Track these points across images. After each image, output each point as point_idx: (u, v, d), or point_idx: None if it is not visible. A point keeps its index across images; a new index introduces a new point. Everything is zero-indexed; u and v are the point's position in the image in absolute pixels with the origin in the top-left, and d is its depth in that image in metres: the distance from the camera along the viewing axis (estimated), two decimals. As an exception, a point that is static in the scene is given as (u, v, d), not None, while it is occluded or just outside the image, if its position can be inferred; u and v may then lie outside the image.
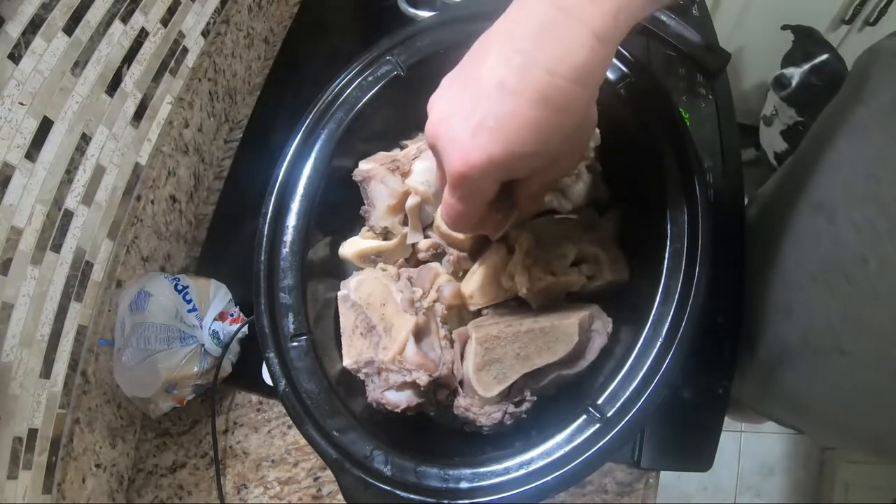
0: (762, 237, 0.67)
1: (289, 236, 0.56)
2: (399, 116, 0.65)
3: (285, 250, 0.56)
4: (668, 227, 0.50)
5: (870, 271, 0.48)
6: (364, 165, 0.61)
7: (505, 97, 0.35)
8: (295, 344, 0.53)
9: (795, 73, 1.44)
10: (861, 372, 0.53)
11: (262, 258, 0.55)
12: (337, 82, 0.60)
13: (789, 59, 1.49)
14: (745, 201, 0.76)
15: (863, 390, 0.54)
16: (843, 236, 0.51)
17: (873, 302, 0.49)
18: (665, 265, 0.49)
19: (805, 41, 1.48)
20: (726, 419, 0.69)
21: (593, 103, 0.42)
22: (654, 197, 0.52)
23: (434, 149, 0.40)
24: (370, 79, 0.60)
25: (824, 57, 1.43)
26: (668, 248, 0.49)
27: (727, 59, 0.64)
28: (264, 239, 0.56)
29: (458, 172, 0.38)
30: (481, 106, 0.36)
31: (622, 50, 0.57)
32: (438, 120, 0.39)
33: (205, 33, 0.87)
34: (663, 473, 0.71)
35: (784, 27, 1.49)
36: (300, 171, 0.58)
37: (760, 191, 0.77)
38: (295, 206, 0.57)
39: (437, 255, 0.61)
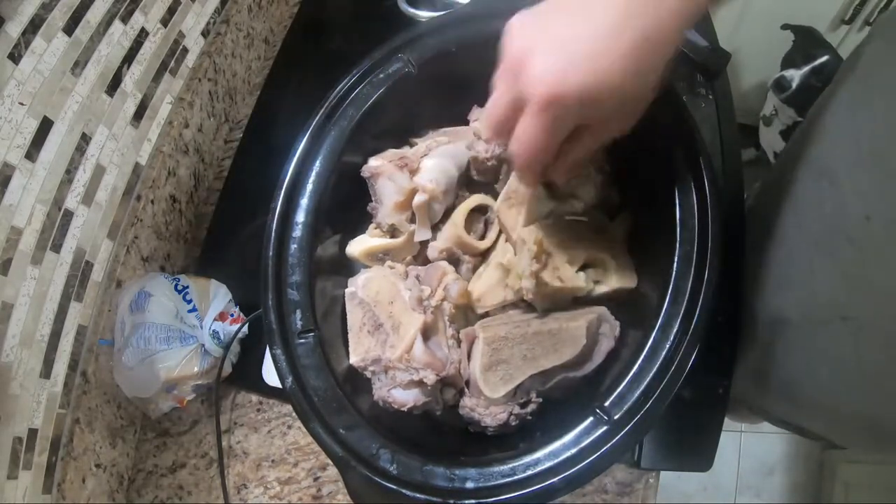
0: (762, 214, 0.67)
1: (297, 232, 0.56)
2: (409, 114, 0.65)
3: (294, 246, 0.56)
4: (678, 229, 0.50)
5: (873, 231, 0.48)
6: (373, 162, 0.61)
7: (608, 27, 0.38)
8: (302, 341, 0.53)
9: (796, 76, 1.44)
10: (862, 341, 0.53)
11: (271, 254, 0.55)
12: (348, 79, 0.60)
13: (789, 61, 1.49)
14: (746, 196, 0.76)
15: (862, 363, 0.54)
16: (845, 199, 0.52)
17: (877, 261, 0.49)
18: (675, 268, 0.49)
19: (805, 41, 1.48)
20: (726, 419, 0.69)
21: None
22: (664, 199, 0.52)
23: (516, 70, 0.41)
24: (381, 76, 0.60)
25: (824, 58, 1.43)
26: (677, 250, 0.49)
27: (727, 59, 0.65)
28: (273, 235, 0.56)
29: (551, 95, 0.38)
30: (582, 34, 0.38)
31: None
32: (530, 43, 0.40)
33: (205, 33, 0.87)
34: (663, 473, 0.71)
35: (784, 27, 1.49)
36: (310, 167, 0.58)
37: (760, 181, 0.77)
38: (304, 202, 0.57)
39: (451, 261, 0.61)
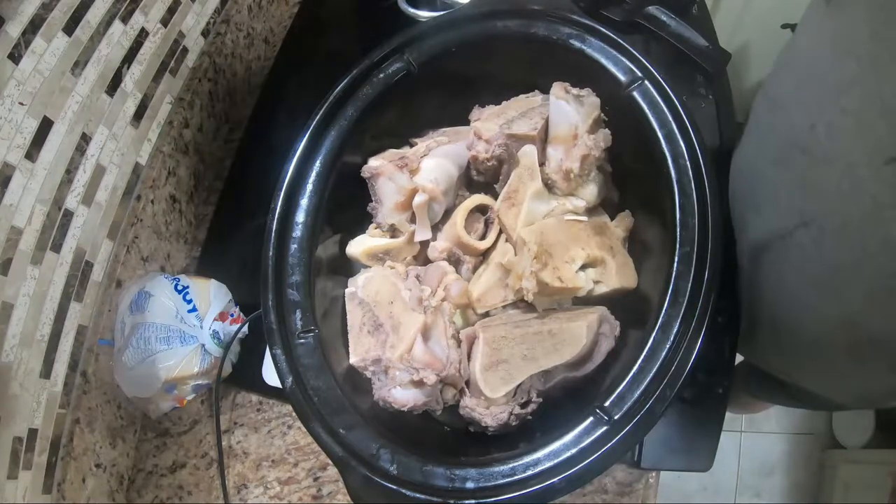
0: (737, 160, 0.71)
1: (297, 232, 0.57)
2: (409, 114, 0.65)
3: (294, 246, 0.56)
4: (678, 229, 0.50)
5: (819, 138, 0.51)
6: (373, 162, 0.61)
7: None
8: (302, 341, 0.53)
9: None
10: (825, 242, 0.53)
11: (271, 254, 0.55)
12: (348, 79, 0.60)
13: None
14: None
15: (829, 265, 0.54)
16: (792, 116, 0.55)
17: (825, 159, 0.51)
18: (675, 268, 0.49)
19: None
20: (726, 418, 0.69)
21: None
22: (664, 200, 0.52)
23: None
24: (381, 76, 0.60)
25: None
26: (677, 251, 0.49)
27: (727, 59, 0.65)
28: (273, 235, 0.56)
29: None
30: None
31: (633, 52, 0.57)
32: None
33: (205, 33, 0.87)
34: (663, 473, 0.71)
35: (784, 26, 1.49)
36: (310, 167, 0.58)
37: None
38: (304, 202, 0.57)
39: (451, 261, 0.61)
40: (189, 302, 0.73)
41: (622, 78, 0.57)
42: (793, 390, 0.79)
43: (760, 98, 0.66)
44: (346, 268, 0.63)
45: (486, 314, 0.58)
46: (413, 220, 0.61)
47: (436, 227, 0.62)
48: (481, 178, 0.64)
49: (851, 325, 0.56)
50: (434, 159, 0.59)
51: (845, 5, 0.49)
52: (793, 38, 0.61)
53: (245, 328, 0.75)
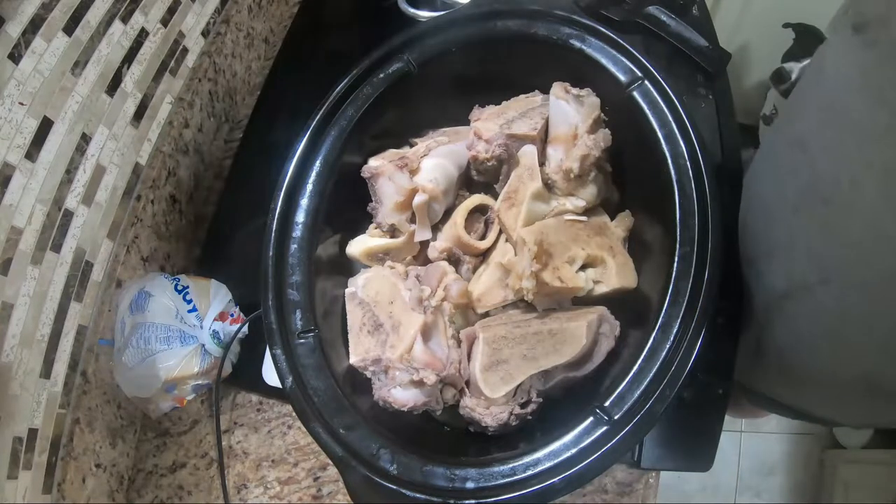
0: (749, 189, 0.68)
1: (297, 232, 0.57)
2: (409, 114, 0.65)
3: (294, 246, 0.56)
4: (678, 229, 0.50)
5: (843, 190, 0.49)
6: (373, 162, 0.61)
7: None
8: (302, 341, 0.53)
9: (795, 68, 1.44)
10: (845, 301, 0.53)
11: (271, 254, 0.55)
12: (348, 79, 0.60)
13: (790, 57, 1.49)
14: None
15: (848, 321, 0.54)
16: (817, 163, 0.53)
17: (848, 214, 0.50)
18: (675, 268, 0.49)
19: (806, 39, 1.48)
20: (727, 418, 0.69)
21: None
22: (664, 200, 0.52)
23: None
24: (381, 76, 0.60)
25: (824, 55, 1.43)
26: (677, 251, 0.49)
27: (727, 59, 0.65)
28: (273, 235, 0.56)
29: None
30: None
31: (633, 52, 0.57)
32: None
33: (205, 33, 0.87)
34: (663, 473, 0.71)
35: (785, 25, 1.49)
36: (310, 168, 0.58)
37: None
38: (304, 202, 0.57)
39: (451, 261, 0.61)
40: (189, 302, 0.73)
41: (622, 78, 0.57)
42: (795, 410, 0.79)
43: (781, 131, 0.64)
44: (346, 268, 0.63)
45: (486, 314, 0.58)
46: (413, 220, 0.61)
47: (436, 227, 0.62)
48: (481, 178, 0.64)
49: (867, 375, 0.56)
50: (434, 159, 0.59)
51: (879, 41, 0.47)
52: (816, 63, 0.59)
53: (245, 328, 0.74)
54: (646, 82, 0.56)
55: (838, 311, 0.54)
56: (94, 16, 0.67)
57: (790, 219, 0.58)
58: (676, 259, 0.49)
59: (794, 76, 1.45)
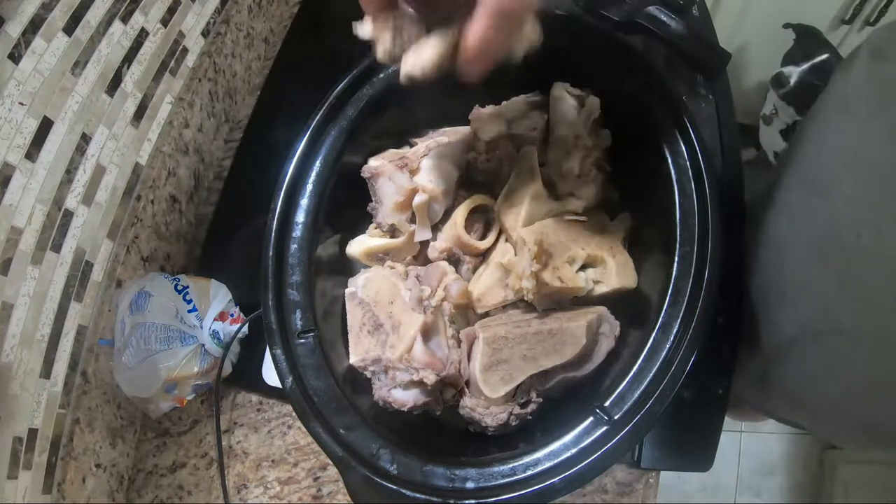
0: (760, 222, 0.68)
1: (297, 232, 0.57)
2: (410, 114, 0.65)
3: (294, 246, 0.56)
4: (678, 229, 0.50)
5: (864, 241, 0.49)
6: (373, 162, 0.61)
7: None
8: (302, 341, 0.53)
9: (794, 72, 1.44)
10: (859, 353, 0.53)
11: (271, 254, 0.55)
12: (348, 79, 0.60)
13: (790, 59, 1.49)
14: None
15: (861, 374, 0.54)
16: (836, 211, 0.52)
17: (869, 266, 0.49)
18: (675, 268, 0.49)
19: (806, 40, 1.48)
20: (727, 419, 0.69)
21: None
22: (664, 200, 0.52)
23: None
24: (381, 76, 0.60)
25: (824, 57, 1.43)
26: (677, 251, 0.49)
27: (727, 59, 0.65)
28: (273, 235, 0.56)
29: None
30: None
31: (634, 53, 0.57)
32: None
33: (205, 33, 0.87)
34: (663, 473, 0.71)
35: (786, 26, 1.49)
36: (310, 167, 0.58)
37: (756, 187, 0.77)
38: (304, 202, 0.57)
39: (451, 261, 0.61)
40: (189, 302, 0.73)
41: (622, 78, 0.57)
42: (798, 426, 0.79)
43: (795, 167, 0.62)
44: (346, 268, 0.63)
45: (486, 314, 0.58)
46: (413, 220, 0.61)
47: (436, 227, 0.62)
48: (481, 178, 0.64)
49: (875, 421, 0.56)
50: (434, 159, 0.59)
51: None
52: (836, 101, 0.57)
53: (245, 328, 0.74)
54: (646, 82, 0.56)
55: (850, 362, 0.54)
56: (94, 16, 0.67)
57: (805, 263, 0.57)
58: (676, 259, 0.49)
59: (792, 80, 1.45)
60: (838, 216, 0.52)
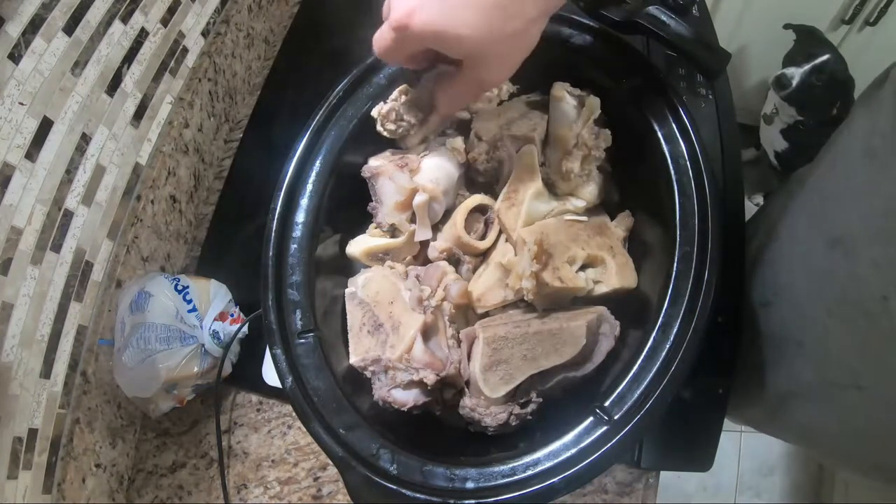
0: (772, 265, 0.66)
1: (297, 232, 0.57)
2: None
3: (294, 246, 0.56)
4: (678, 229, 0.50)
5: (890, 310, 0.46)
6: (373, 162, 0.61)
7: None
8: (302, 341, 0.53)
9: (796, 73, 1.45)
10: (877, 409, 0.53)
11: (271, 254, 0.55)
12: (348, 79, 0.60)
13: (790, 59, 1.49)
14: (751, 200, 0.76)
15: (877, 426, 0.54)
16: (861, 274, 0.50)
17: (892, 339, 0.48)
18: (675, 268, 0.49)
19: (807, 41, 1.48)
20: (726, 419, 0.69)
21: (538, 27, 0.48)
22: (664, 200, 0.52)
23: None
24: (381, 76, 0.60)
25: (825, 57, 1.43)
26: (677, 250, 0.49)
27: (727, 59, 0.65)
28: (273, 235, 0.56)
29: (400, 23, 0.45)
30: None
31: (634, 53, 0.57)
32: None
33: (205, 33, 0.87)
34: (663, 473, 0.71)
35: (786, 26, 1.49)
36: (310, 167, 0.58)
37: (766, 209, 0.75)
38: (304, 203, 0.57)
39: (451, 261, 0.61)
40: (189, 302, 0.73)
41: (622, 78, 0.57)
42: None
43: (815, 224, 0.58)
44: (346, 268, 0.63)
45: (486, 314, 0.58)
46: (413, 220, 0.61)
47: (436, 227, 0.62)
48: (481, 178, 0.64)
49: (885, 463, 0.56)
50: (434, 159, 0.59)
51: None
52: (856, 138, 0.52)
53: (245, 328, 0.75)
54: (646, 82, 0.56)
55: (866, 414, 0.54)
56: (94, 16, 0.67)
57: (825, 319, 0.56)
58: (676, 259, 0.49)
59: (794, 82, 1.45)
60: (863, 280, 0.49)
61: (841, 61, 1.44)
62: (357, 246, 0.61)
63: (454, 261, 0.61)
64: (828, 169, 0.58)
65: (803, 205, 0.62)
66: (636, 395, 0.46)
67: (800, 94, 1.45)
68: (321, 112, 0.59)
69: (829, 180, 0.58)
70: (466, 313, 0.59)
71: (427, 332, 0.53)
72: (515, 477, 0.46)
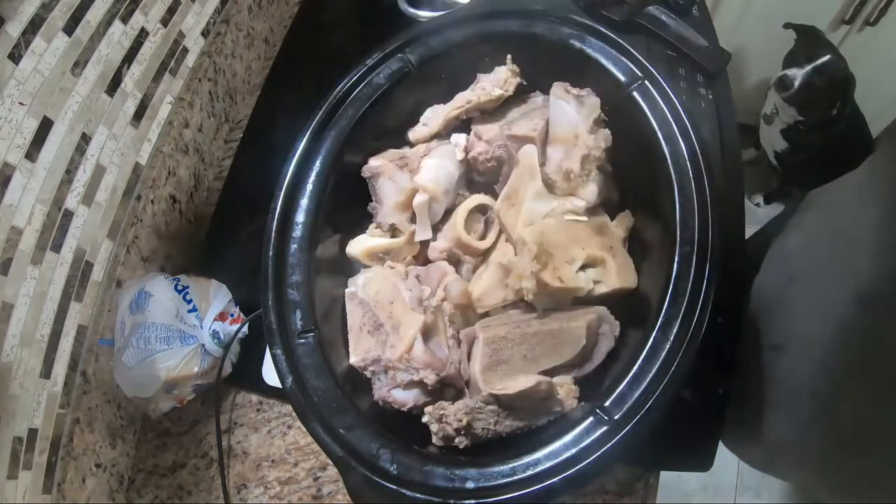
0: (788, 306, 0.63)
1: (297, 232, 0.57)
2: (409, 113, 0.65)
3: (294, 246, 0.56)
4: (678, 229, 0.50)
5: None
6: (373, 162, 0.61)
7: None
8: (302, 341, 0.53)
9: (798, 74, 1.44)
10: (888, 476, 0.52)
11: (271, 254, 0.55)
12: (348, 79, 0.60)
13: (791, 60, 1.49)
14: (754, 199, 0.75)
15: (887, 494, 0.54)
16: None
17: None
18: (675, 268, 0.49)
19: (807, 41, 1.48)
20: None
21: None
22: (664, 200, 0.52)
23: None
24: (381, 76, 0.60)
25: (826, 58, 1.43)
26: (677, 251, 0.49)
27: (727, 59, 0.65)
28: (273, 235, 0.56)
29: None
30: None
31: (633, 53, 0.57)
32: None
33: (205, 33, 0.87)
34: (663, 473, 0.71)
35: (786, 26, 1.49)
36: (310, 167, 0.58)
37: (784, 241, 0.70)
38: (304, 203, 0.57)
39: (451, 261, 0.61)
40: (189, 302, 0.73)
41: (622, 78, 0.57)
42: None
43: (837, 272, 0.56)
44: (346, 268, 0.63)
45: (486, 314, 0.58)
46: (413, 220, 0.61)
47: (436, 227, 0.62)
48: (481, 178, 0.64)
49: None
50: (434, 159, 0.60)
51: None
52: (882, 169, 0.51)
53: (245, 328, 0.75)
54: (646, 82, 0.56)
55: (871, 478, 0.54)
56: (94, 16, 0.67)
57: (842, 378, 0.54)
58: (676, 259, 0.49)
59: (797, 83, 1.45)
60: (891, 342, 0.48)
61: (841, 60, 1.44)
62: (357, 246, 0.62)
63: (454, 261, 0.61)
64: (855, 207, 0.55)
65: (827, 251, 0.58)
66: (636, 395, 0.46)
67: (801, 94, 1.45)
68: (321, 112, 0.59)
69: (856, 225, 0.54)
70: (466, 313, 0.59)
71: (427, 332, 0.53)
72: (515, 477, 0.46)
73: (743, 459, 0.72)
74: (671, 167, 0.52)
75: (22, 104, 0.59)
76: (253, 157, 0.91)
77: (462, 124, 0.64)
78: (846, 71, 1.45)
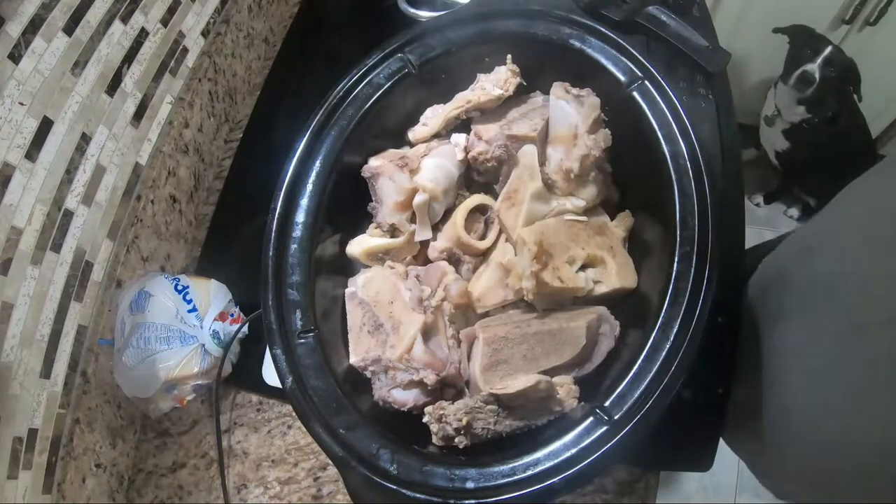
0: (784, 335, 0.60)
1: (298, 232, 0.57)
2: (409, 113, 0.65)
3: (294, 246, 0.56)
4: (678, 229, 0.50)
5: None
6: (373, 162, 0.61)
7: None
8: (302, 341, 0.53)
9: (815, 69, 1.44)
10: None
11: (271, 254, 0.55)
12: (348, 79, 0.60)
13: (797, 59, 1.48)
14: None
15: None
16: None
17: None
18: (675, 268, 0.49)
19: (802, 39, 1.48)
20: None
21: None
22: (664, 200, 0.52)
23: None
24: (381, 76, 0.60)
25: (829, 48, 1.44)
26: (677, 251, 0.49)
27: (727, 59, 0.65)
28: (273, 235, 0.56)
29: None
30: None
31: (633, 53, 0.57)
32: None
33: (205, 33, 0.87)
34: (663, 473, 0.71)
35: (776, 30, 1.49)
36: (310, 168, 0.58)
37: (787, 276, 0.65)
38: (304, 203, 0.58)
39: (451, 261, 0.61)
40: (189, 302, 0.73)
41: (622, 78, 0.57)
42: None
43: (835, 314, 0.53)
44: (346, 268, 0.63)
45: (486, 314, 0.58)
46: (413, 219, 0.61)
47: (436, 227, 0.62)
48: (481, 178, 0.64)
49: None
50: (434, 159, 0.60)
51: None
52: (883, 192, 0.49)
53: (245, 328, 0.75)
54: (646, 82, 0.56)
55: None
56: (94, 16, 0.67)
57: (843, 415, 0.51)
58: (676, 259, 0.49)
59: (817, 77, 1.45)
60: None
61: (840, 53, 1.45)
62: (357, 246, 0.62)
63: (454, 261, 0.61)
64: (856, 240, 0.52)
65: (832, 296, 0.54)
66: (636, 395, 0.46)
67: (820, 88, 1.46)
68: (321, 112, 0.59)
69: (859, 265, 0.50)
70: (466, 313, 0.59)
71: (427, 332, 0.53)
72: (515, 477, 0.46)
73: (743, 459, 0.71)
74: (671, 167, 0.52)
75: (22, 104, 0.59)
76: (253, 157, 0.91)
77: (462, 124, 0.64)
78: (848, 58, 1.46)
